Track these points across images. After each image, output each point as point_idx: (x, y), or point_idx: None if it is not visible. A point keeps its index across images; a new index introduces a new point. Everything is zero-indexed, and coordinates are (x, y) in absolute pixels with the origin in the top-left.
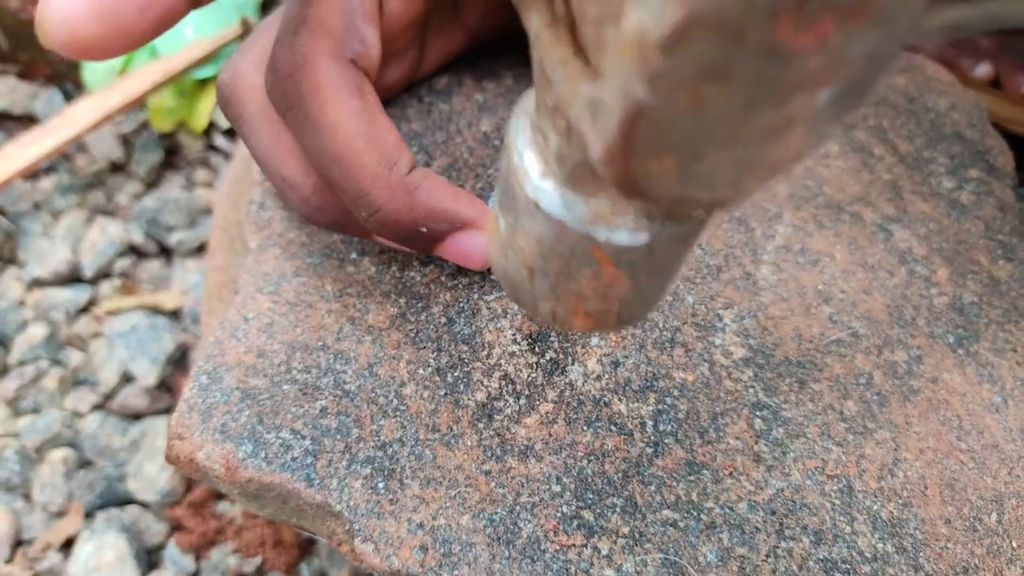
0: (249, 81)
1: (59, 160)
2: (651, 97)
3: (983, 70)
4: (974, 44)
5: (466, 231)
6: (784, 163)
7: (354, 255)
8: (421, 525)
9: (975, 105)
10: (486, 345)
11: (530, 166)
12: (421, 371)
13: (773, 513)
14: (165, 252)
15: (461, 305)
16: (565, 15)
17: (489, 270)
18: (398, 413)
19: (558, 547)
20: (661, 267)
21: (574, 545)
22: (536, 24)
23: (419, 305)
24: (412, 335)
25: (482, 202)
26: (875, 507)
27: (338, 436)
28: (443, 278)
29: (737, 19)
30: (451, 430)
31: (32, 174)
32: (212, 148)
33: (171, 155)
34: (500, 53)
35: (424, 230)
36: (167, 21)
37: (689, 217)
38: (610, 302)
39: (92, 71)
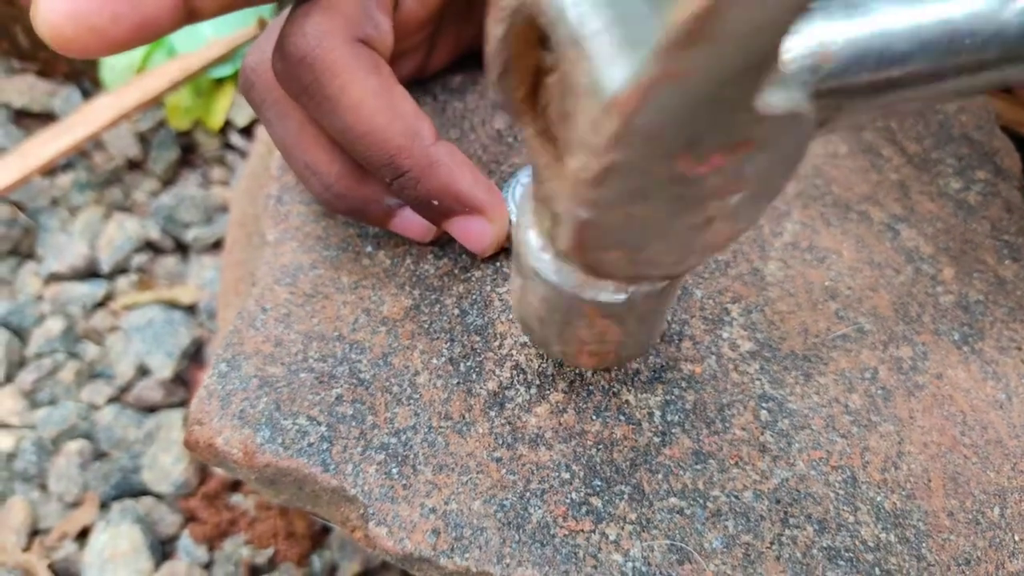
0: None
1: (77, 157)
2: (589, 215)
3: None
4: None
5: (475, 216)
6: (718, 245)
7: (370, 248)
8: (433, 510)
9: (983, 108)
10: (498, 336)
11: (532, 241)
12: (435, 361)
13: (778, 502)
14: (181, 248)
15: (474, 297)
16: (548, 131)
17: (493, 259)
18: (412, 401)
19: (567, 532)
20: (644, 315)
21: (583, 530)
22: (528, 132)
23: (433, 297)
24: (426, 326)
25: (498, 192)
26: (878, 498)
27: (353, 423)
28: (456, 271)
29: (643, 163)
30: (463, 418)
31: (50, 171)
32: (228, 146)
33: (188, 153)
34: None
35: (436, 203)
36: (148, 32)
37: (655, 283)
38: (607, 345)
39: (110, 69)
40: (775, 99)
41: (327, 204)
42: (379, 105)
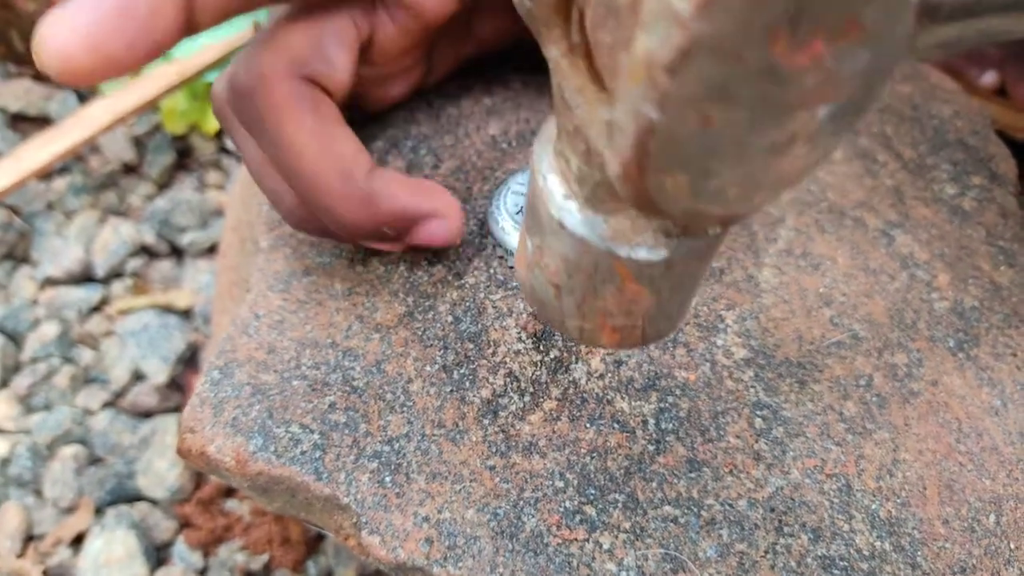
0: None
1: (73, 161)
2: (661, 116)
3: (989, 79)
4: (980, 53)
5: (430, 219)
6: (790, 178)
7: (363, 255)
8: (427, 518)
9: (978, 113)
10: (492, 343)
11: (554, 188)
12: (428, 368)
13: (772, 510)
14: (176, 252)
15: (467, 304)
16: (581, 44)
17: (487, 266)
18: (405, 409)
19: (561, 541)
20: (681, 281)
21: (576, 539)
22: (555, 54)
23: (426, 304)
24: (419, 333)
25: (440, 188)
26: (873, 506)
27: (346, 431)
28: (450, 278)
29: (735, 41)
30: (457, 426)
31: (46, 175)
32: (224, 151)
33: (183, 157)
34: (508, 58)
35: (388, 230)
36: (156, 52)
37: (704, 232)
38: (634, 317)
39: None
40: None
41: (295, 227)
42: (313, 146)
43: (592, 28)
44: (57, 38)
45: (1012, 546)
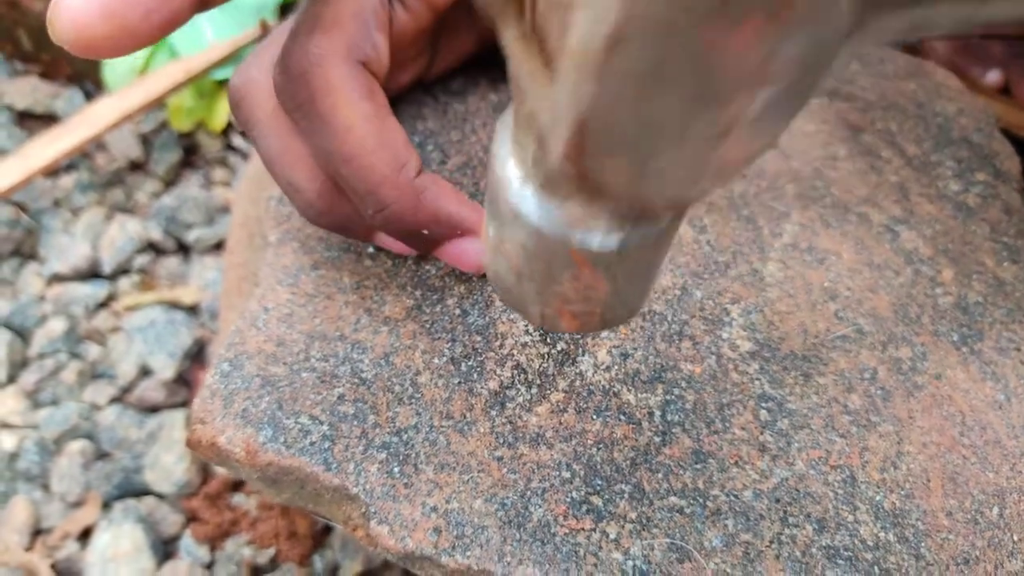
0: (261, 86)
1: (79, 158)
2: (597, 97)
3: (993, 77)
4: (985, 51)
5: (466, 237)
6: (733, 165)
7: (371, 249)
8: (435, 508)
9: (983, 111)
10: (499, 336)
11: (511, 174)
12: (436, 360)
13: (777, 501)
14: (183, 249)
15: (475, 297)
16: (533, 30)
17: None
18: (413, 401)
19: (567, 531)
20: (637, 269)
21: (583, 529)
22: (509, 38)
23: (434, 297)
24: (427, 326)
25: (483, 209)
26: (877, 497)
27: (355, 422)
28: (457, 271)
29: (668, 22)
30: (465, 417)
31: (53, 172)
32: (230, 148)
33: (189, 154)
34: None
35: (426, 232)
36: (172, 24)
37: (657, 218)
38: (592, 303)
39: (112, 71)
40: None
41: (312, 221)
42: (369, 131)
43: (542, 13)
44: (72, 6)
45: (1015, 538)
